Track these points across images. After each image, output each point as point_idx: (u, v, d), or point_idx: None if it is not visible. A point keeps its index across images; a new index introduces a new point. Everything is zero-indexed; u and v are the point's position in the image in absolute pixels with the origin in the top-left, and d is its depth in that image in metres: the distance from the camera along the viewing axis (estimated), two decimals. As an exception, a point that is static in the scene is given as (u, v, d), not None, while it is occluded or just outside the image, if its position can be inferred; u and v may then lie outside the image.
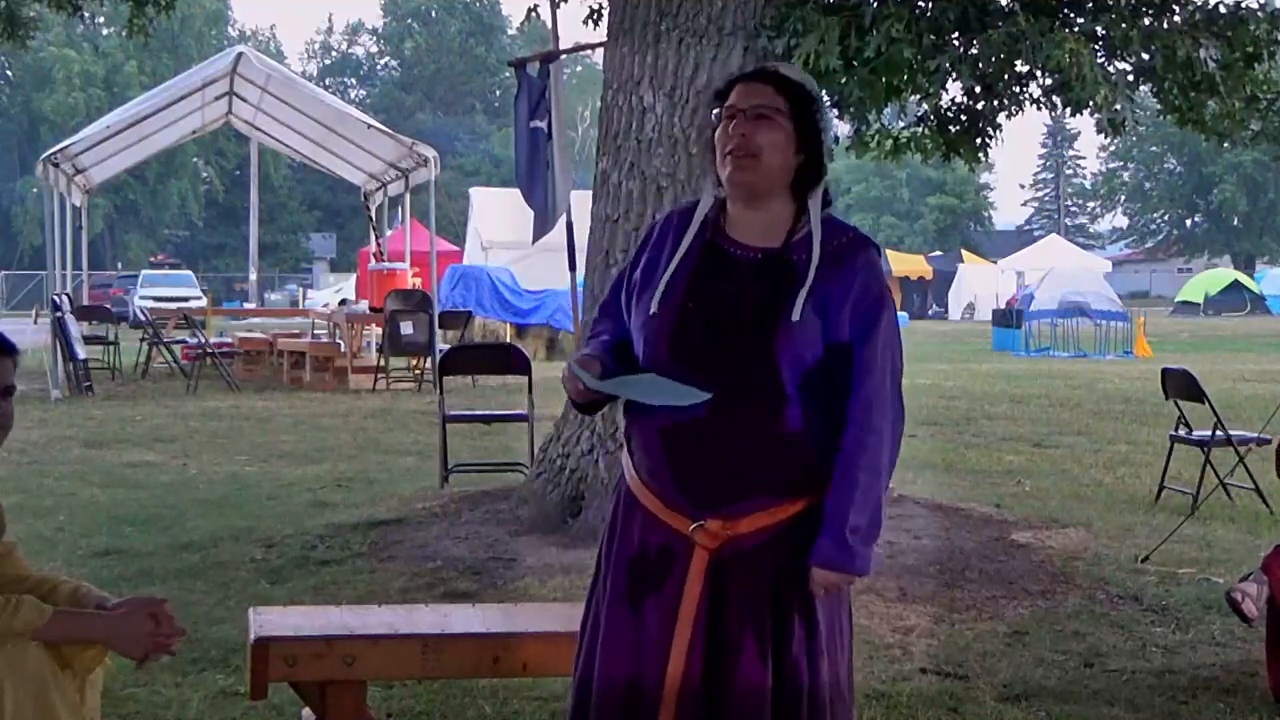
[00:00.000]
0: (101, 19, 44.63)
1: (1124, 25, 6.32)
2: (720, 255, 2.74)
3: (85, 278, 21.35)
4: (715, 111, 2.76)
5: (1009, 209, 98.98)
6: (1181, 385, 8.38)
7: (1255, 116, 6.89)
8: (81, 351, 15.07)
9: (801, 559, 2.65)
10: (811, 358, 2.63)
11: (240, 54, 16.67)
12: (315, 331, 20.83)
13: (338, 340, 17.86)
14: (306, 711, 3.77)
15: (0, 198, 57.12)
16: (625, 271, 2.88)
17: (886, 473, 2.68)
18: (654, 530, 2.71)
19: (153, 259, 50.82)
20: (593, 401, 2.78)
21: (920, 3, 6.46)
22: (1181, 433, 8.59)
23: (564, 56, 8.32)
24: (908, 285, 51.20)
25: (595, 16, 7.84)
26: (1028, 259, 47.02)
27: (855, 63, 6.18)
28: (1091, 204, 75.94)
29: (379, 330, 16.63)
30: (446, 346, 13.34)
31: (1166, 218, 69.19)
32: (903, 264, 51.32)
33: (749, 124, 2.69)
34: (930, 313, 49.66)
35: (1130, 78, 6.47)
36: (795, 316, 2.61)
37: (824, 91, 6.61)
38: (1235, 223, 64.99)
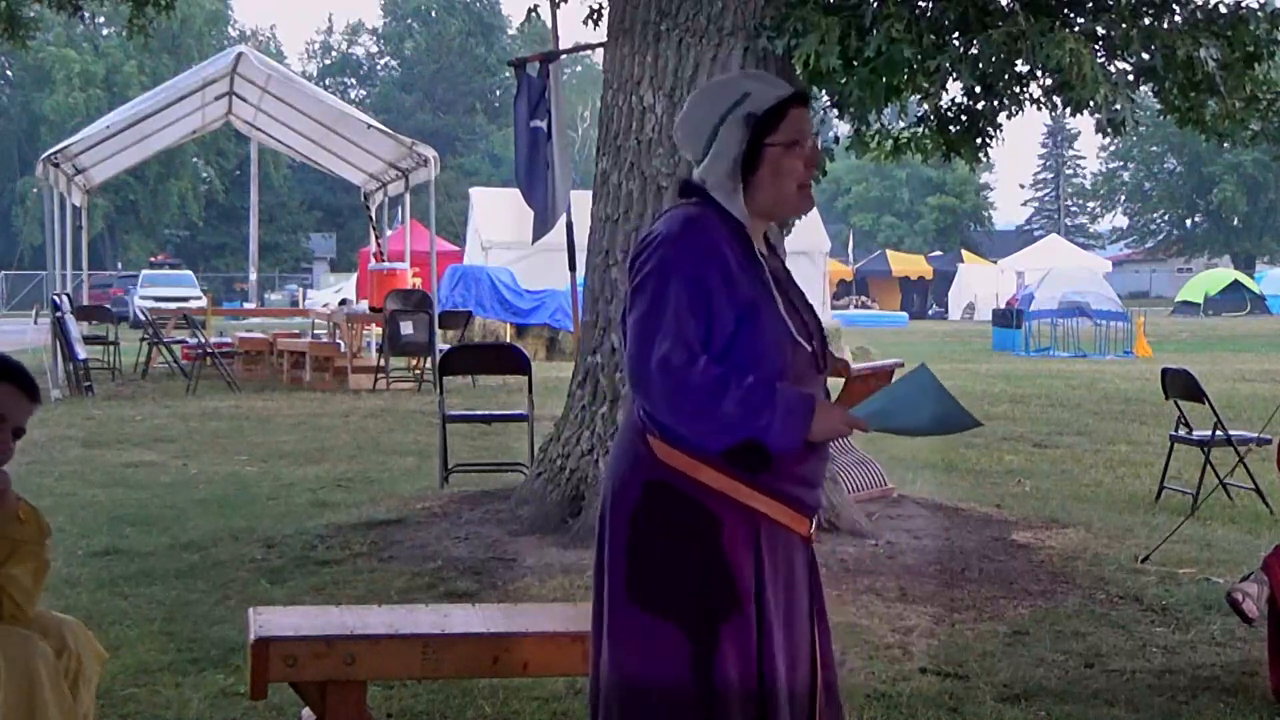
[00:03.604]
0: (101, 19, 44.59)
1: (1124, 25, 6.32)
2: (770, 268, 2.76)
3: (85, 278, 21.34)
4: (782, 142, 2.69)
5: (1009, 209, 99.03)
6: (1181, 385, 8.38)
7: (1255, 116, 6.87)
8: (81, 351, 15.06)
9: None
10: None
11: (240, 54, 16.67)
12: (315, 331, 20.83)
13: (338, 340, 17.86)
14: (306, 711, 3.77)
15: (0, 198, 57.13)
16: (700, 309, 2.60)
17: None
18: (777, 540, 2.69)
19: (153, 259, 50.77)
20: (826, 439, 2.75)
21: (920, 3, 6.45)
22: (1181, 433, 8.59)
23: (564, 56, 8.33)
24: (908, 285, 51.25)
25: (595, 16, 7.84)
26: (1028, 259, 47.02)
27: (855, 63, 6.17)
28: (1091, 204, 75.93)
29: (379, 330, 16.63)
30: (446, 346, 13.34)
31: (1166, 218, 69.19)
32: (903, 264, 51.37)
33: (815, 153, 2.75)
34: (930, 313, 49.68)
35: (1130, 77, 6.46)
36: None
37: (824, 91, 6.65)
38: (1235, 223, 64.99)
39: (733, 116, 2.68)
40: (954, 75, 6.24)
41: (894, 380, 2.57)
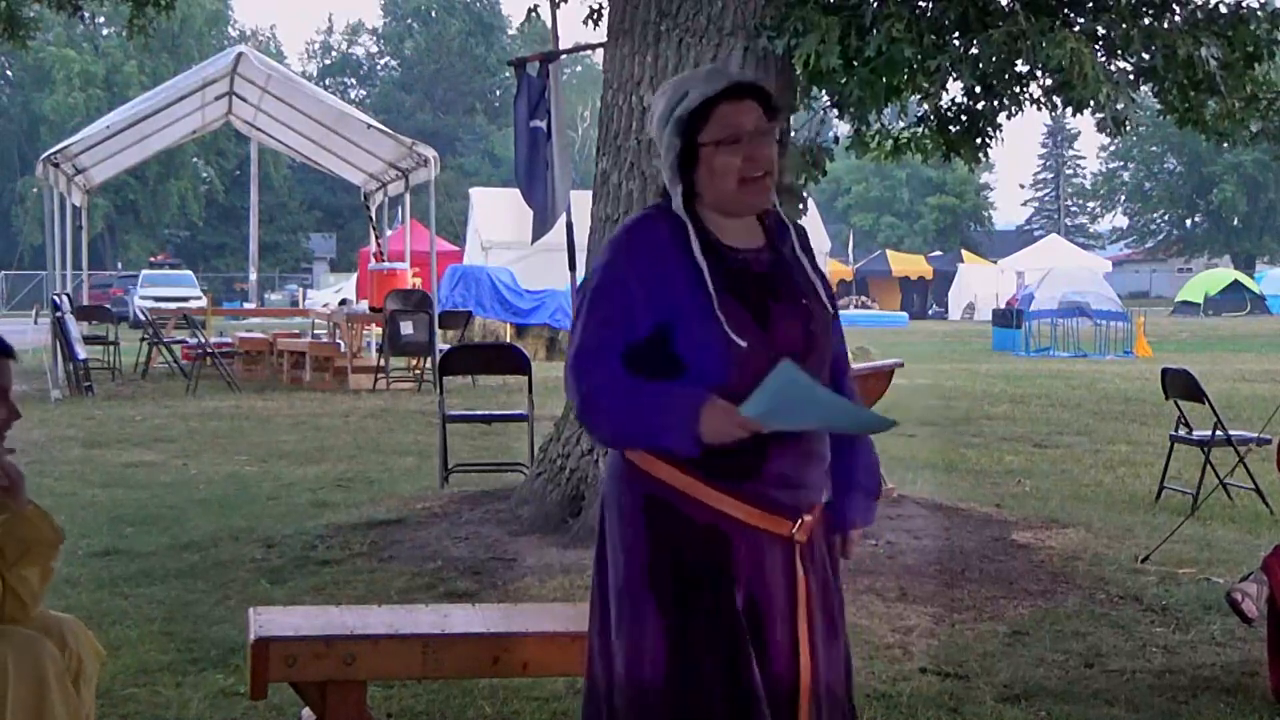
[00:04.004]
0: (101, 19, 44.57)
1: (1124, 25, 6.32)
2: (738, 265, 2.70)
3: (85, 278, 21.35)
4: (683, 137, 2.69)
5: (1009, 209, 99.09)
6: (1181, 385, 8.38)
7: (1255, 116, 6.87)
8: (82, 351, 15.07)
9: (829, 535, 2.81)
10: (837, 338, 2.83)
11: (240, 54, 16.68)
12: (315, 331, 20.84)
13: (338, 340, 17.86)
14: (306, 711, 3.77)
15: (0, 198, 57.11)
16: (615, 315, 2.64)
17: None
18: (750, 540, 2.65)
19: (153, 259, 50.74)
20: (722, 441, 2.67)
21: (921, 3, 6.45)
22: (1181, 433, 8.59)
23: (564, 56, 8.32)
24: (908, 285, 51.24)
25: (595, 16, 7.84)
26: (1028, 259, 47.02)
27: (855, 63, 6.17)
28: (1091, 204, 75.93)
29: (379, 330, 16.64)
30: (446, 346, 13.34)
31: (1166, 218, 69.19)
32: (903, 264, 51.36)
33: (759, 146, 2.68)
34: (930, 313, 49.68)
35: (1131, 77, 6.46)
36: (830, 308, 2.78)
37: (824, 91, 6.65)
38: (1235, 223, 65.00)
39: (672, 118, 2.71)
40: (954, 75, 6.24)
41: (765, 379, 2.54)
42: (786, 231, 2.79)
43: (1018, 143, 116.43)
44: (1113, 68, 6.34)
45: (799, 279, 2.76)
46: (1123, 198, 71.11)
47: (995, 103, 6.85)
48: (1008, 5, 6.45)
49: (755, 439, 2.56)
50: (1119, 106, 5.93)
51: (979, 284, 46.32)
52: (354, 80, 76.71)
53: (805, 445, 2.66)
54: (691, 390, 2.58)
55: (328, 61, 77.03)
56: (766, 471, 2.63)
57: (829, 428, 2.67)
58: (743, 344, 2.59)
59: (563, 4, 8.14)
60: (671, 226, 2.69)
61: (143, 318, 19.79)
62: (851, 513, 2.82)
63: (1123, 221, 73.28)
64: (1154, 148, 66.32)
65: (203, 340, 16.55)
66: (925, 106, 7.21)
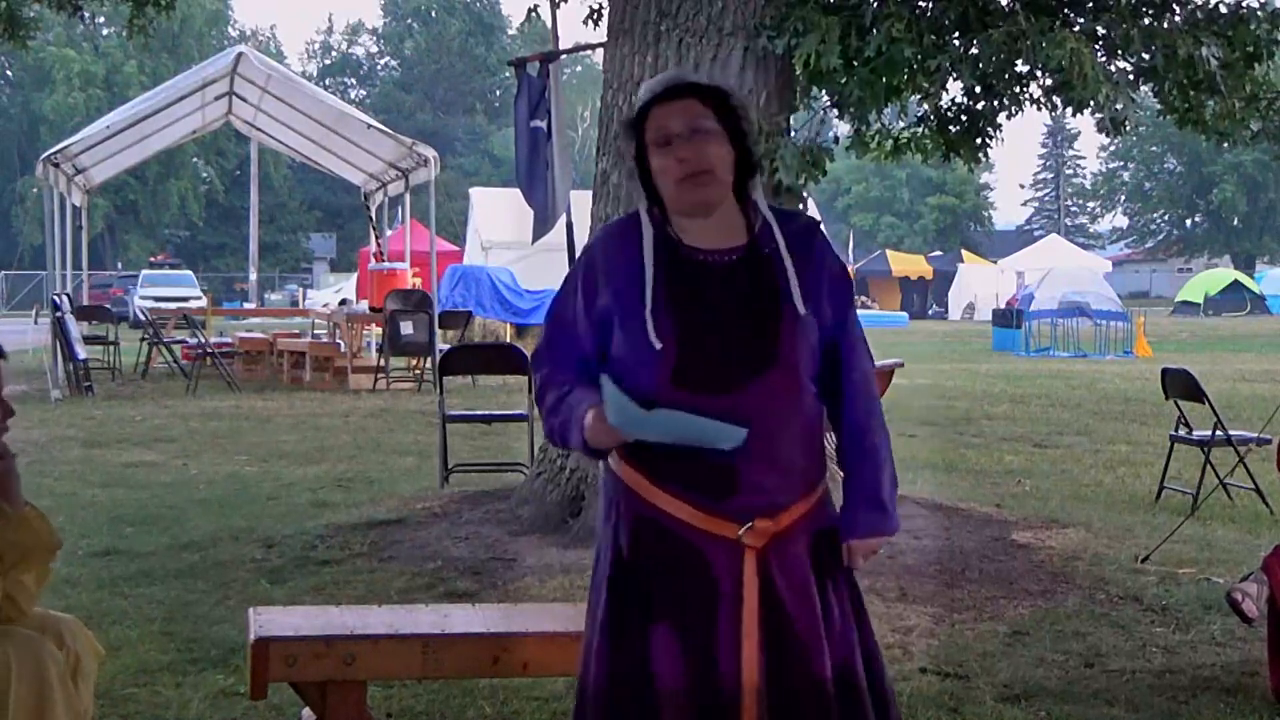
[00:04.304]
0: (101, 19, 44.56)
1: (1124, 25, 6.31)
2: (694, 266, 2.71)
3: (85, 278, 21.35)
4: (630, 137, 2.74)
5: (1009, 209, 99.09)
6: (1181, 385, 8.38)
7: (1255, 116, 6.86)
8: (82, 351, 15.07)
9: (830, 538, 2.77)
10: (817, 342, 2.73)
11: (240, 54, 16.68)
12: (315, 331, 20.84)
13: (338, 340, 17.86)
14: (306, 711, 3.77)
15: (0, 198, 57.10)
16: (569, 315, 2.77)
17: (887, 434, 2.84)
18: (695, 540, 2.66)
19: (153, 259, 50.75)
20: (603, 448, 2.73)
21: (921, 3, 6.45)
22: (1181, 433, 8.59)
23: (564, 56, 8.32)
24: (908, 285, 51.25)
25: (595, 16, 7.83)
26: (1028, 259, 47.03)
27: (855, 63, 6.17)
28: (1091, 204, 75.94)
29: (379, 330, 16.64)
30: (446, 346, 13.34)
31: (1166, 218, 69.20)
32: (903, 264, 51.36)
33: (692, 146, 2.67)
34: (930, 313, 49.68)
35: (1131, 77, 6.46)
36: (801, 309, 2.68)
37: (824, 91, 6.64)
38: (1235, 223, 65.01)
39: (624, 124, 2.79)
40: (954, 75, 6.24)
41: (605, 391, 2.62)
42: (771, 229, 2.74)
43: (1018, 143, 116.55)
44: (1113, 68, 6.34)
45: (768, 278, 2.70)
46: (1123, 198, 71.11)
47: (995, 103, 6.84)
48: (1008, 5, 6.45)
49: (679, 450, 2.61)
50: (1119, 106, 5.93)
51: (979, 284, 46.32)
52: (354, 80, 76.72)
53: (759, 449, 2.62)
54: (586, 396, 2.68)
55: (328, 61, 77.05)
56: (710, 474, 2.64)
57: (680, 440, 2.61)
58: (658, 346, 2.62)
59: (563, 4, 8.14)
60: (637, 230, 2.75)
61: (143, 318, 19.78)
62: (848, 525, 2.77)
63: (1123, 221, 73.36)
64: (1154, 148, 66.32)
65: (203, 340, 16.56)
66: (925, 106, 7.20)
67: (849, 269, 2.68)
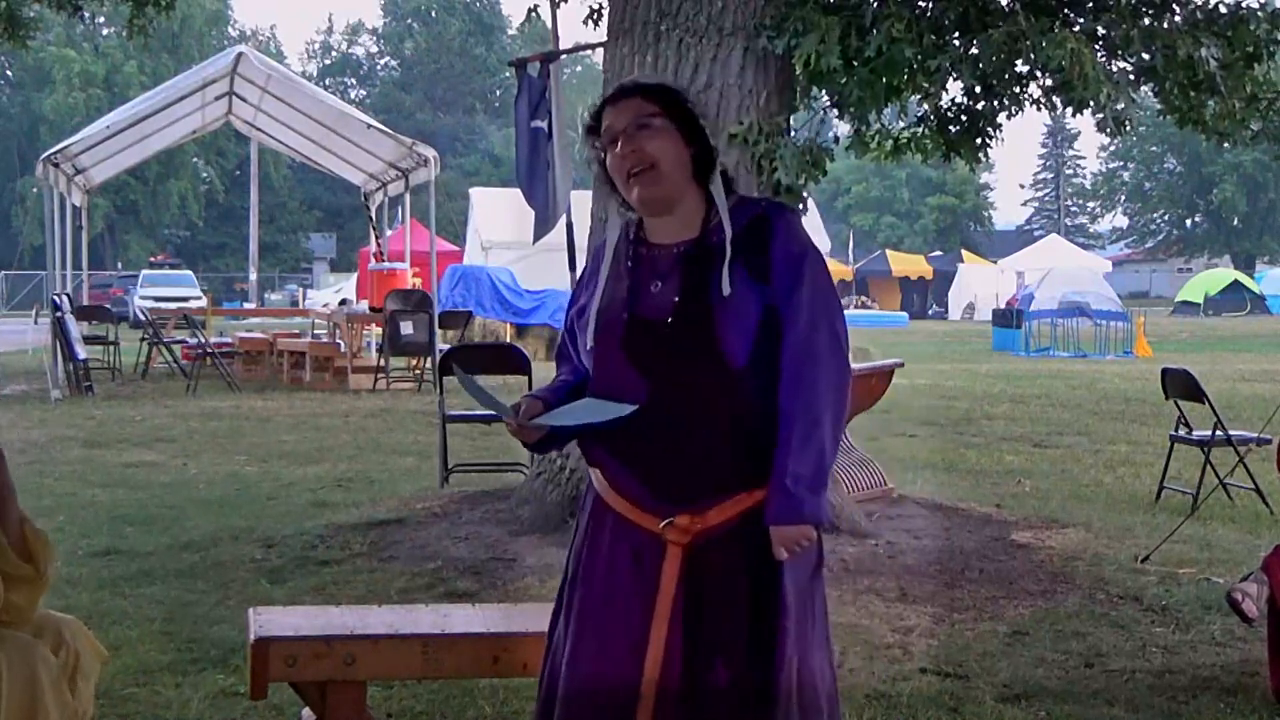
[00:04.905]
0: (101, 19, 44.63)
1: (1124, 25, 6.31)
2: (645, 263, 2.80)
3: (85, 278, 21.34)
4: (595, 144, 2.82)
5: (1009, 209, 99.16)
6: (1181, 385, 8.38)
7: (1255, 116, 6.86)
8: (82, 351, 15.07)
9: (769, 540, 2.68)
10: (753, 326, 2.66)
11: (240, 54, 16.68)
12: (315, 331, 20.84)
13: (338, 340, 17.86)
14: (306, 711, 3.77)
15: (0, 198, 57.08)
16: (573, 310, 2.92)
17: (829, 420, 2.66)
18: (626, 533, 2.74)
19: (153, 259, 50.75)
20: (545, 439, 2.81)
21: (921, 3, 6.45)
22: (1181, 433, 8.59)
23: (564, 56, 8.32)
24: (908, 285, 51.25)
25: (595, 16, 7.82)
26: (1028, 259, 47.03)
27: (855, 63, 6.17)
28: (1091, 204, 75.94)
29: (379, 330, 16.63)
30: (446, 346, 13.33)
31: (1166, 218, 69.20)
32: (903, 264, 51.36)
33: (634, 140, 2.74)
34: (930, 313, 49.68)
35: (1131, 77, 6.46)
36: (725, 290, 2.65)
37: (824, 91, 6.64)
38: (1235, 223, 65.01)
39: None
40: (954, 75, 6.23)
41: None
42: (720, 222, 2.74)
43: (1018, 143, 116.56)
44: (1113, 68, 6.34)
45: (706, 269, 2.70)
46: (1123, 198, 71.12)
47: (995, 103, 6.84)
48: (1008, 5, 6.45)
49: (624, 432, 2.66)
50: (1119, 106, 5.93)
51: (979, 284, 46.32)
52: (354, 80, 76.73)
53: (679, 444, 2.65)
54: (549, 386, 2.85)
55: (328, 61, 77.05)
56: (643, 468, 2.70)
57: (587, 426, 2.71)
58: (590, 343, 2.74)
59: (563, 4, 8.14)
60: (622, 229, 2.86)
61: (143, 318, 19.78)
62: (768, 511, 2.66)
63: (1123, 221, 73.37)
64: (1154, 148, 66.33)
65: (203, 340, 16.55)
66: (925, 106, 7.20)
67: (823, 255, 2.60)
